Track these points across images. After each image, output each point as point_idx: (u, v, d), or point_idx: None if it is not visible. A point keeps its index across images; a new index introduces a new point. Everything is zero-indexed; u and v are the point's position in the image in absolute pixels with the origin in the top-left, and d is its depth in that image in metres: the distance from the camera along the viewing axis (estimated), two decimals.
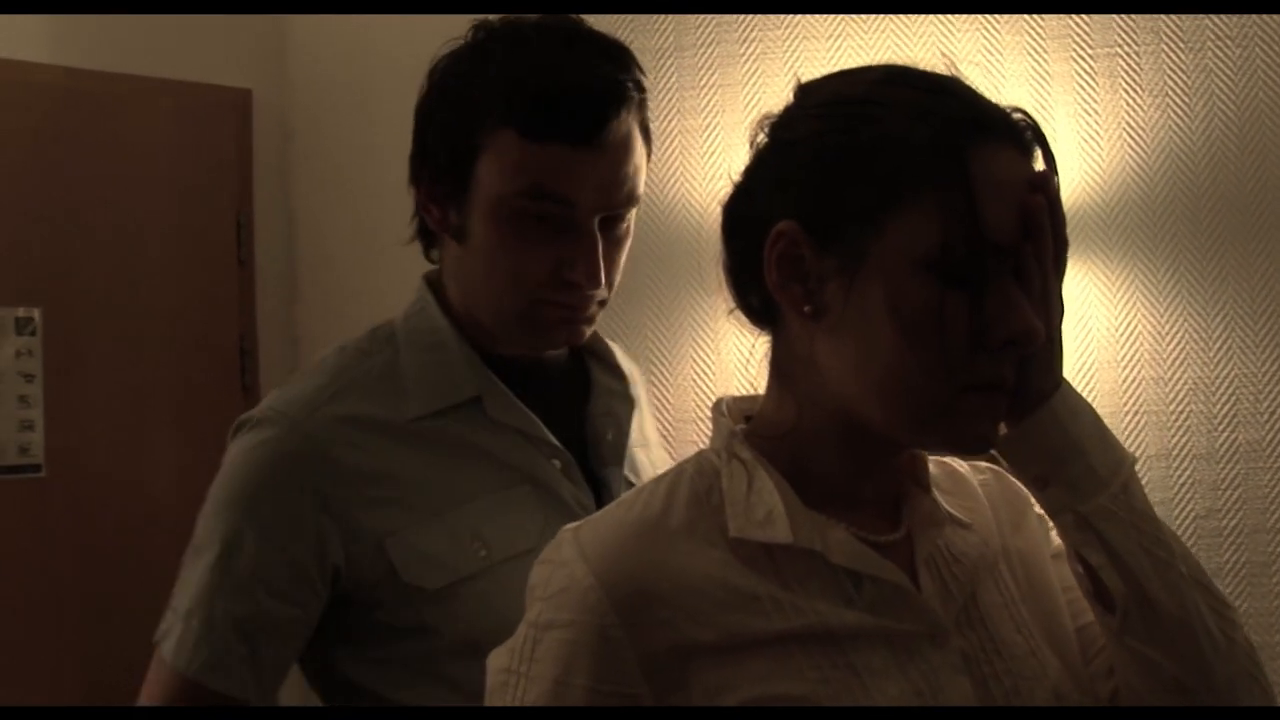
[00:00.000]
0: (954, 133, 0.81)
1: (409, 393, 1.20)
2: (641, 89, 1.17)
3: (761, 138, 0.90)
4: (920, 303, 0.81)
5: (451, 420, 1.20)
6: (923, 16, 2.08)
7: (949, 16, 2.07)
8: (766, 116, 0.90)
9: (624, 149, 1.15)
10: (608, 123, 1.13)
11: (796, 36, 2.17)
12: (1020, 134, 0.84)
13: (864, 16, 2.12)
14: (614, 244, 1.18)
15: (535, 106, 1.12)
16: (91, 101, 2.59)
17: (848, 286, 0.83)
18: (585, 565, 0.83)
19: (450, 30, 1.20)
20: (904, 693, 0.82)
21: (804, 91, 0.90)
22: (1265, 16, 1.94)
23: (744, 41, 2.20)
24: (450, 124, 1.17)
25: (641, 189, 1.18)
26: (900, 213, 0.81)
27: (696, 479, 0.90)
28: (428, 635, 1.15)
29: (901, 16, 2.08)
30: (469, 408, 1.20)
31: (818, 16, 2.15)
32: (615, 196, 1.16)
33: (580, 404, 1.29)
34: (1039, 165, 0.86)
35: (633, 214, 1.20)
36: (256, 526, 1.14)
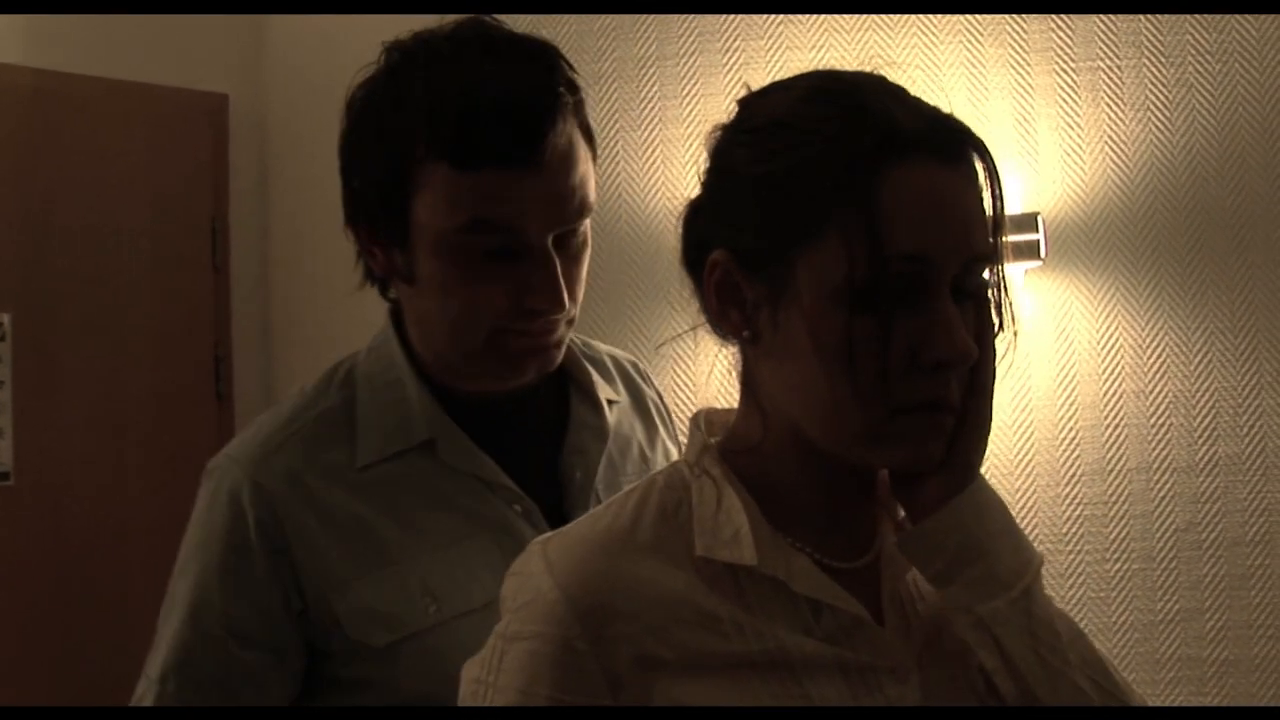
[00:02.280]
0: (860, 159, 0.80)
1: (362, 437, 1.13)
2: (575, 89, 1.08)
3: (704, 160, 0.90)
4: (835, 331, 0.80)
5: (405, 465, 1.13)
6: (907, 29, 2.08)
7: (933, 30, 2.07)
8: (713, 131, 0.90)
9: (566, 161, 1.06)
10: (544, 138, 1.04)
11: (779, 47, 2.17)
12: (943, 145, 0.82)
13: (847, 25, 2.12)
14: (571, 259, 1.10)
15: (461, 132, 1.03)
16: (65, 105, 2.57)
17: (774, 315, 0.83)
18: (551, 578, 0.84)
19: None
20: None
21: (740, 109, 0.89)
22: (1245, 32, 1.96)
23: (726, 51, 2.19)
24: (375, 162, 1.08)
25: (593, 196, 1.10)
26: (813, 243, 0.81)
27: (666, 493, 0.89)
28: (378, 690, 1.11)
29: (885, 28, 2.08)
30: (422, 452, 1.14)
31: (800, 27, 2.14)
32: (565, 212, 1.07)
33: (559, 440, 1.22)
34: (966, 167, 0.83)
35: (587, 223, 1.12)
36: (219, 580, 1.09)
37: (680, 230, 0.92)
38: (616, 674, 0.81)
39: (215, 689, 1.08)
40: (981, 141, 0.84)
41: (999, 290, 0.86)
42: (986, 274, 0.86)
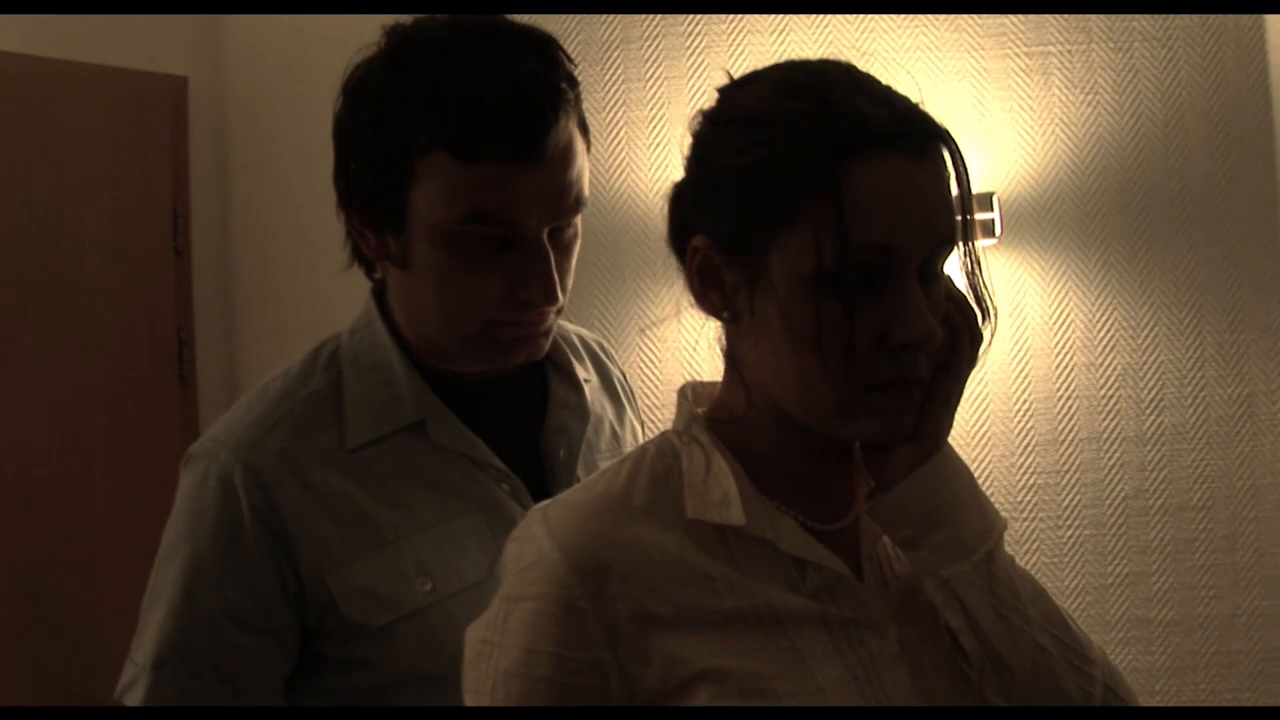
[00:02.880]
0: (829, 153, 0.84)
1: (351, 419, 1.14)
2: (574, 83, 1.09)
3: (687, 144, 0.94)
4: (806, 315, 0.85)
5: (394, 446, 1.14)
6: (869, 16, 2.13)
7: (890, 14, 2.12)
8: (697, 116, 0.94)
9: (566, 156, 1.07)
10: (547, 133, 1.04)
11: (740, 30, 2.21)
12: (909, 136, 0.85)
13: (808, 12, 2.16)
14: (563, 251, 1.11)
15: (466, 125, 1.03)
16: (21, 86, 2.54)
17: (751, 299, 0.88)
18: (552, 541, 0.88)
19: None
20: (842, 676, 0.87)
21: (719, 98, 0.93)
22: (1188, 19, 2.03)
23: (688, 35, 2.23)
24: (375, 148, 1.07)
25: (587, 190, 1.11)
26: (784, 232, 0.85)
27: (657, 460, 0.94)
28: (374, 669, 1.11)
29: (845, 15, 2.13)
30: (412, 432, 1.14)
31: (761, 13, 2.19)
32: (563, 206, 1.08)
33: (538, 418, 1.24)
34: (932, 158, 0.87)
35: (579, 217, 1.13)
36: (215, 563, 1.08)
37: (666, 211, 0.96)
38: (615, 630, 0.86)
39: (212, 674, 1.08)
40: (947, 132, 0.88)
41: (975, 281, 0.92)
42: (963, 263, 0.91)
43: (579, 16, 2.23)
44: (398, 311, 1.17)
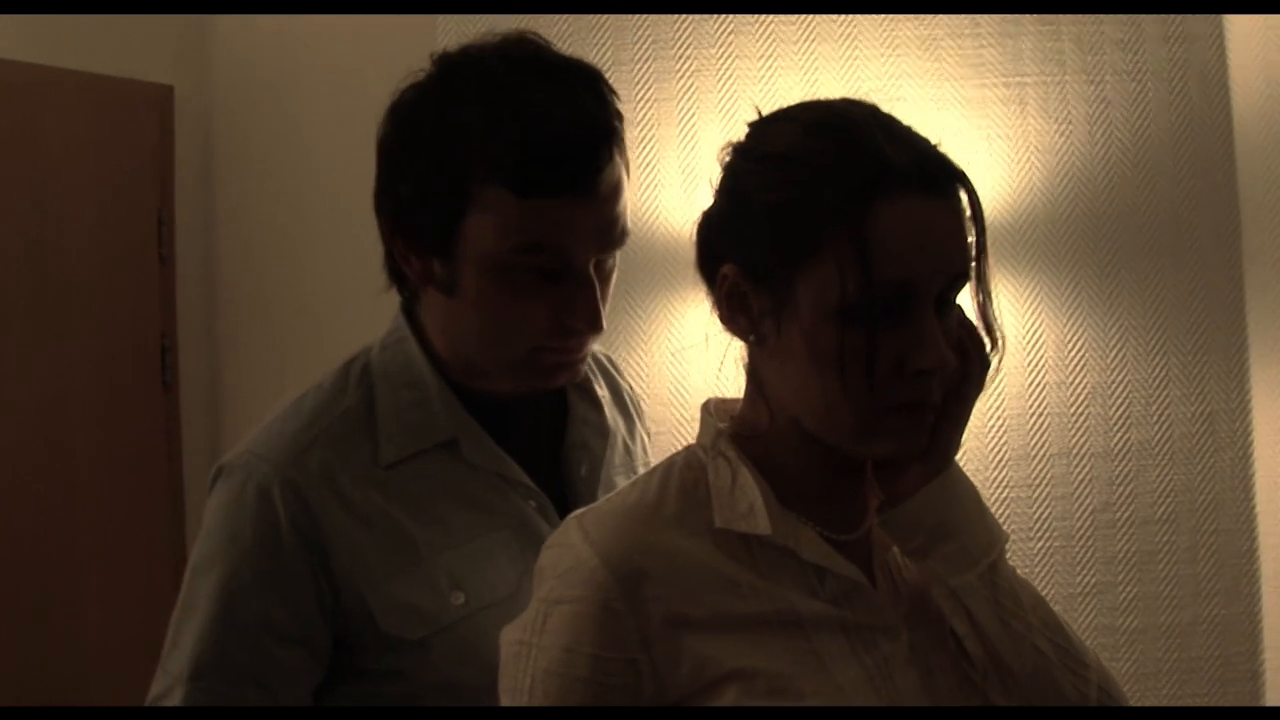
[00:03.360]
0: (854, 193, 0.90)
1: (385, 436, 1.16)
2: (621, 117, 1.13)
3: (718, 175, 1.01)
4: (830, 343, 0.92)
5: (427, 463, 1.16)
6: (851, 43, 2.20)
7: (875, 45, 2.20)
8: (727, 148, 1.01)
9: (617, 190, 1.11)
10: (602, 170, 1.08)
11: (730, 55, 2.28)
12: (929, 177, 0.92)
13: (793, 37, 2.24)
14: (604, 280, 1.15)
15: (525, 162, 1.06)
16: (9, 93, 2.55)
17: (777, 324, 0.95)
18: (590, 547, 0.94)
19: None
20: (859, 677, 0.94)
21: (750, 133, 1.01)
22: (1157, 56, 2.13)
23: (679, 58, 2.29)
24: (429, 177, 1.10)
25: (630, 223, 1.15)
26: (810, 266, 0.92)
27: (685, 472, 1.01)
28: (408, 679, 1.14)
29: (830, 40, 2.20)
30: (445, 449, 1.17)
31: (749, 38, 2.26)
32: (612, 238, 1.13)
33: (558, 434, 1.27)
34: (949, 197, 0.94)
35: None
36: (253, 576, 1.10)
37: (695, 238, 1.03)
38: (649, 632, 0.92)
39: (251, 685, 1.10)
40: (963, 173, 0.96)
41: (986, 312, 0.99)
42: (975, 296, 0.98)
43: (571, 37, 2.29)
44: (432, 329, 1.20)
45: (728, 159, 1.01)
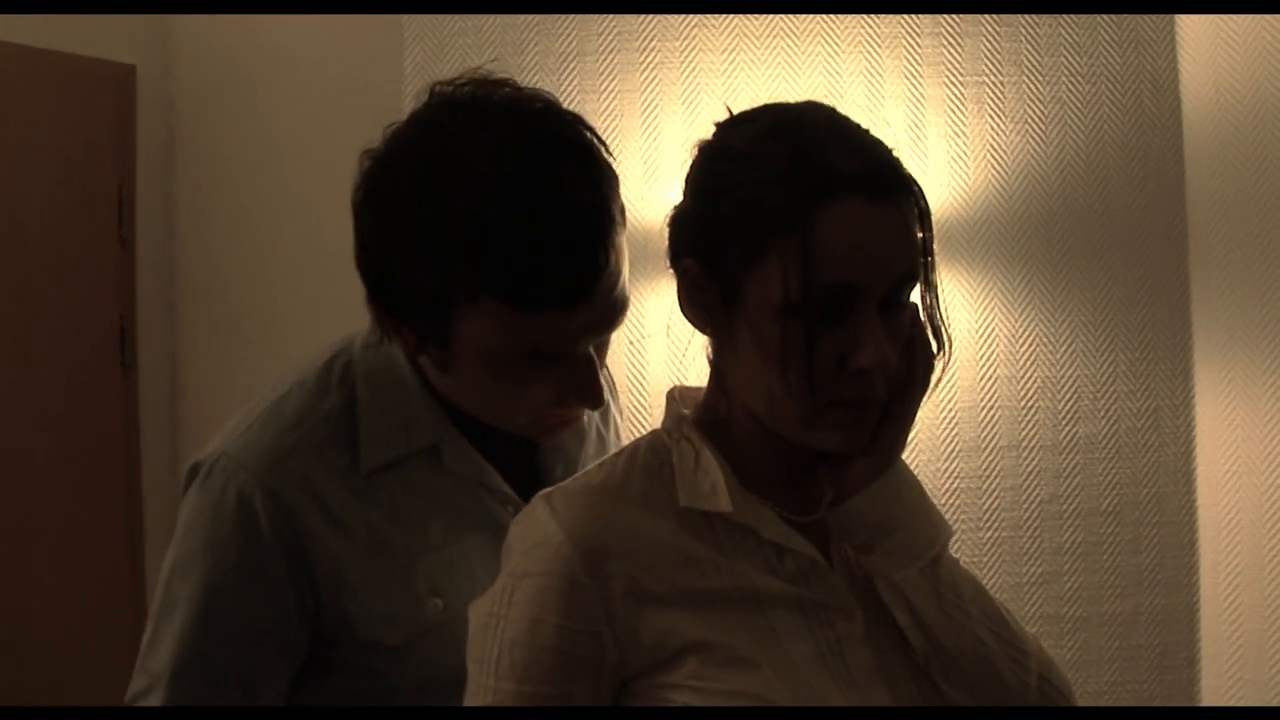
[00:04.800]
0: (799, 196, 0.94)
1: (366, 441, 1.15)
2: (617, 182, 1.07)
3: (686, 171, 1.04)
4: (773, 340, 0.95)
5: (408, 470, 1.16)
6: (811, 38, 2.24)
7: (835, 41, 2.23)
8: (695, 146, 1.04)
9: (618, 276, 1.07)
10: (603, 272, 1.04)
11: (692, 49, 2.30)
12: (876, 184, 0.95)
13: (756, 31, 2.27)
14: (602, 349, 1.14)
15: (518, 277, 1.01)
16: None
17: (730, 318, 0.99)
18: (557, 524, 0.97)
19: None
20: (811, 653, 0.98)
21: (716, 133, 1.04)
22: (1110, 59, 2.18)
23: (642, 50, 2.32)
24: (414, 271, 1.04)
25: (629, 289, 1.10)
26: (758, 265, 0.96)
27: (649, 454, 1.05)
28: (385, 679, 1.15)
29: (791, 35, 2.24)
30: (425, 456, 1.17)
31: (712, 31, 2.28)
32: (613, 323, 1.10)
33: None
34: (896, 203, 0.96)
35: None
36: (234, 579, 1.10)
37: (665, 232, 1.06)
38: (612, 606, 0.95)
39: (234, 686, 1.11)
40: (911, 178, 0.99)
41: (933, 317, 1.03)
42: (922, 300, 1.02)
43: (536, 27, 2.30)
44: (434, 382, 1.17)
45: (694, 157, 1.04)
